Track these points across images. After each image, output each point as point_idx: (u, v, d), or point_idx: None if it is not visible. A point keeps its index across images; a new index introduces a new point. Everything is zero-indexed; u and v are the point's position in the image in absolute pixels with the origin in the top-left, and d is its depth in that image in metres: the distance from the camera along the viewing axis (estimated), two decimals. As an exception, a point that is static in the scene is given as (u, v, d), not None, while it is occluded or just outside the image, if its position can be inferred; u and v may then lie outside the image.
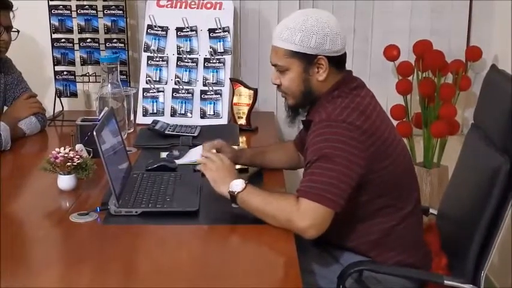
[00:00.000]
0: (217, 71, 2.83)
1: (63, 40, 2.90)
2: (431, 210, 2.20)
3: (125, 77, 2.89)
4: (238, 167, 2.08)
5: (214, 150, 2.02)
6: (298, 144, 2.20)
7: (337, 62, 1.86)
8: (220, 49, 2.84)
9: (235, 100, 2.78)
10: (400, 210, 1.87)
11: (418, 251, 1.93)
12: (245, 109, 2.76)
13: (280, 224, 1.70)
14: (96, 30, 2.91)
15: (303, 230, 1.68)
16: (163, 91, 2.84)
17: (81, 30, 2.90)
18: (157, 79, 2.86)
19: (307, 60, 1.83)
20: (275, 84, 1.93)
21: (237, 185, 1.77)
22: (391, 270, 1.85)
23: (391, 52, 2.94)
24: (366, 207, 1.84)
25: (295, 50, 1.83)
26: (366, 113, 1.79)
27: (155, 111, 2.83)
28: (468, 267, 1.78)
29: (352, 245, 1.89)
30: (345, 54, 1.89)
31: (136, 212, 1.78)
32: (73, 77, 2.93)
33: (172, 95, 2.84)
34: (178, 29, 2.87)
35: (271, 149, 2.24)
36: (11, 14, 2.52)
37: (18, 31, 2.56)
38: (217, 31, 2.85)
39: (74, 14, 2.88)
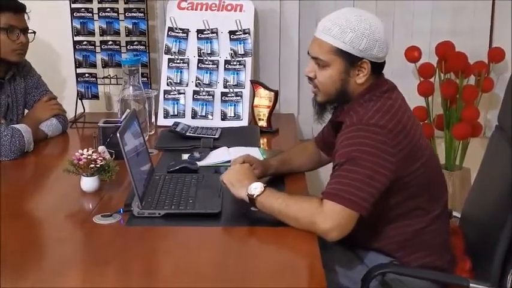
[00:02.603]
0: (237, 73, 2.84)
1: (84, 43, 2.92)
2: (454, 213, 2.17)
3: (145, 79, 2.90)
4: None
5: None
6: (319, 143, 2.19)
7: (378, 68, 1.84)
8: (240, 51, 2.85)
9: (255, 102, 2.77)
10: (430, 213, 1.86)
11: (445, 254, 1.91)
12: (266, 111, 2.76)
13: (302, 225, 1.69)
14: (117, 33, 2.92)
15: (325, 232, 1.67)
16: (184, 93, 2.85)
17: (103, 32, 2.92)
18: (178, 81, 2.87)
19: (351, 61, 1.80)
20: (308, 76, 1.89)
21: (256, 188, 1.76)
22: (417, 273, 1.83)
23: (412, 53, 2.93)
24: (395, 209, 1.82)
25: (343, 48, 1.79)
26: (398, 116, 1.77)
27: (176, 113, 2.84)
28: (494, 270, 1.76)
29: (378, 245, 1.87)
30: (385, 62, 1.86)
31: (159, 213, 1.79)
32: (94, 79, 2.94)
33: (193, 97, 2.84)
34: (199, 31, 2.87)
35: (293, 154, 2.21)
36: (26, 16, 2.54)
37: (34, 32, 2.58)
38: (237, 33, 2.85)
39: (95, 17, 2.90)
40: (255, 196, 1.75)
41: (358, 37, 1.77)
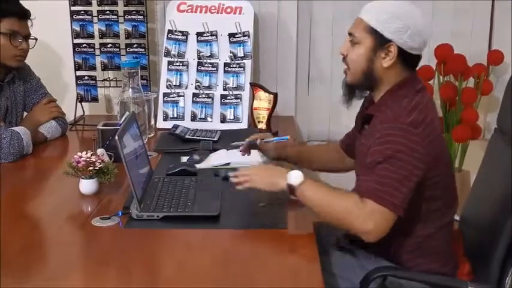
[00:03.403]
0: (237, 76, 2.84)
1: (84, 45, 2.92)
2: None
3: (145, 81, 2.90)
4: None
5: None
6: (343, 144, 2.19)
7: (408, 59, 1.83)
8: (240, 54, 2.85)
9: (255, 104, 2.77)
10: (444, 218, 1.86)
11: (449, 261, 1.91)
12: (265, 113, 2.75)
13: (338, 221, 1.69)
14: (116, 35, 2.92)
15: (364, 232, 1.67)
16: (183, 96, 2.85)
17: (102, 35, 2.92)
18: (178, 84, 2.87)
19: (380, 41, 1.80)
20: (342, 54, 1.90)
21: (296, 177, 1.74)
22: (415, 276, 1.83)
23: (412, 56, 2.92)
24: (412, 210, 1.79)
25: (374, 26, 1.80)
26: (431, 115, 1.79)
27: (175, 115, 2.84)
28: (493, 272, 1.76)
29: (385, 247, 1.85)
30: (419, 57, 1.86)
31: (158, 216, 1.79)
32: (94, 81, 2.95)
33: (193, 100, 2.84)
34: (199, 34, 2.88)
35: (314, 148, 2.23)
36: (29, 23, 2.54)
37: (36, 39, 2.58)
38: (237, 36, 2.85)
39: (95, 20, 2.90)
40: (296, 185, 1.73)
41: (391, 19, 1.78)
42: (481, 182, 2.09)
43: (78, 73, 2.94)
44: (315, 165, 2.21)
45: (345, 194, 1.72)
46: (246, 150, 2.15)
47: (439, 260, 1.87)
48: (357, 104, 2.00)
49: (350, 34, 1.87)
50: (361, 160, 1.86)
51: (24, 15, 2.51)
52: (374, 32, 1.81)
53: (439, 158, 1.79)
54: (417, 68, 1.92)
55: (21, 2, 2.53)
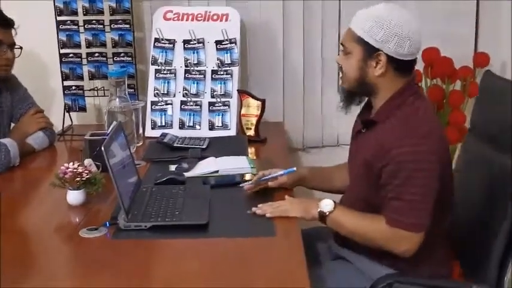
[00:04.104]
0: (225, 83, 2.84)
1: (71, 55, 2.91)
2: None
3: (132, 90, 2.89)
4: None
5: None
6: None
7: (401, 66, 1.82)
8: (227, 61, 2.85)
9: (243, 111, 2.77)
10: (444, 221, 1.88)
11: (446, 262, 1.92)
12: (253, 120, 2.76)
13: (370, 244, 1.80)
14: (103, 45, 2.92)
15: (398, 253, 1.78)
16: (171, 104, 2.85)
17: (89, 44, 2.91)
18: (165, 92, 2.86)
19: (369, 51, 1.81)
20: (338, 63, 1.94)
21: (327, 204, 1.82)
22: (422, 282, 1.84)
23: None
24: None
25: (361, 36, 1.81)
26: (436, 122, 1.85)
27: (164, 124, 2.83)
28: (490, 273, 1.78)
29: (378, 252, 1.85)
30: (412, 61, 1.85)
31: (145, 226, 1.78)
32: (81, 91, 2.94)
33: (181, 108, 2.84)
34: (186, 42, 2.87)
35: (335, 170, 2.19)
36: (13, 32, 2.54)
37: (21, 48, 2.58)
38: (224, 43, 2.85)
39: (81, 29, 2.89)
40: (327, 213, 1.81)
41: (377, 27, 1.78)
42: (463, 184, 2.08)
43: (66, 83, 2.93)
44: (339, 183, 2.15)
45: (374, 222, 1.78)
46: (252, 188, 2.07)
47: (437, 262, 1.88)
48: (355, 109, 2.00)
49: (342, 44, 1.89)
50: (354, 163, 1.94)
51: (8, 24, 2.50)
52: (362, 42, 1.81)
53: (447, 159, 1.84)
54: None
55: (6, 12, 2.53)
